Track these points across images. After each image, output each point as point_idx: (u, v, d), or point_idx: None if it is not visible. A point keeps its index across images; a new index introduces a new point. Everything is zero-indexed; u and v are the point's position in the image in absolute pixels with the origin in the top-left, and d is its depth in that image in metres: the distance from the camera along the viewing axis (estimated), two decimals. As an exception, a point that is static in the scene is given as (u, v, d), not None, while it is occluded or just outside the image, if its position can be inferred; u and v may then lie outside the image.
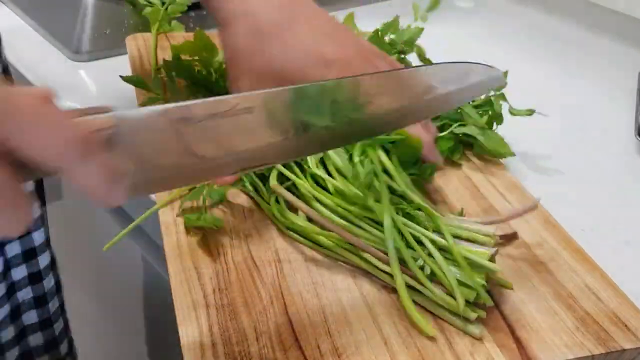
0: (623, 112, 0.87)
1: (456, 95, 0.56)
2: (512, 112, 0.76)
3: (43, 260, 0.73)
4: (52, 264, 0.75)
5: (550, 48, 1.05)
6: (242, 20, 0.62)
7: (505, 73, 0.73)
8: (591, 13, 1.08)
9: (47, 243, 0.73)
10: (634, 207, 0.71)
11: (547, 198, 0.66)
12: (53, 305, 0.75)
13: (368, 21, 0.88)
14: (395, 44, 0.81)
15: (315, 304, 0.54)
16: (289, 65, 0.62)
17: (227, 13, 0.63)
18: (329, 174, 0.63)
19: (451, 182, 0.69)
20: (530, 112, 0.76)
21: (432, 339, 0.52)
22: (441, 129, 0.72)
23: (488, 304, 0.53)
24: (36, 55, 0.96)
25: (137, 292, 0.86)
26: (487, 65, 0.56)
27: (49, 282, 0.74)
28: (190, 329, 0.52)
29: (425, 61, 0.83)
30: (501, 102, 0.75)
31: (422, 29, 0.83)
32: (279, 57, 0.62)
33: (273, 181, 0.62)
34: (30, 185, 0.73)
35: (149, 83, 0.76)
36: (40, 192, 0.77)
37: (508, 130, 0.81)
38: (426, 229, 0.56)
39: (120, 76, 0.76)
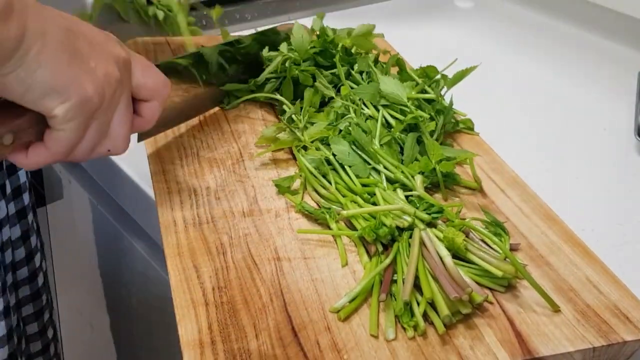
0: (623, 112, 0.87)
1: None
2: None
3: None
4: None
5: (550, 48, 1.05)
6: None
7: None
8: (591, 13, 1.08)
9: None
10: (634, 206, 0.71)
11: (547, 197, 0.66)
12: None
13: (374, 21, 0.88)
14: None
15: (315, 300, 0.54)
16: None
17: None
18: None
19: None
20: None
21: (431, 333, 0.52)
22: None
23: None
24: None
25: (136, 291, 0.86)
26: None
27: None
28: (190, 327, 0.52)
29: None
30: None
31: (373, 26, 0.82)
32: None
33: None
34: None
35: None
36: (39, 192, 0.78)
37: (507, 128, 0.81)
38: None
39: None
